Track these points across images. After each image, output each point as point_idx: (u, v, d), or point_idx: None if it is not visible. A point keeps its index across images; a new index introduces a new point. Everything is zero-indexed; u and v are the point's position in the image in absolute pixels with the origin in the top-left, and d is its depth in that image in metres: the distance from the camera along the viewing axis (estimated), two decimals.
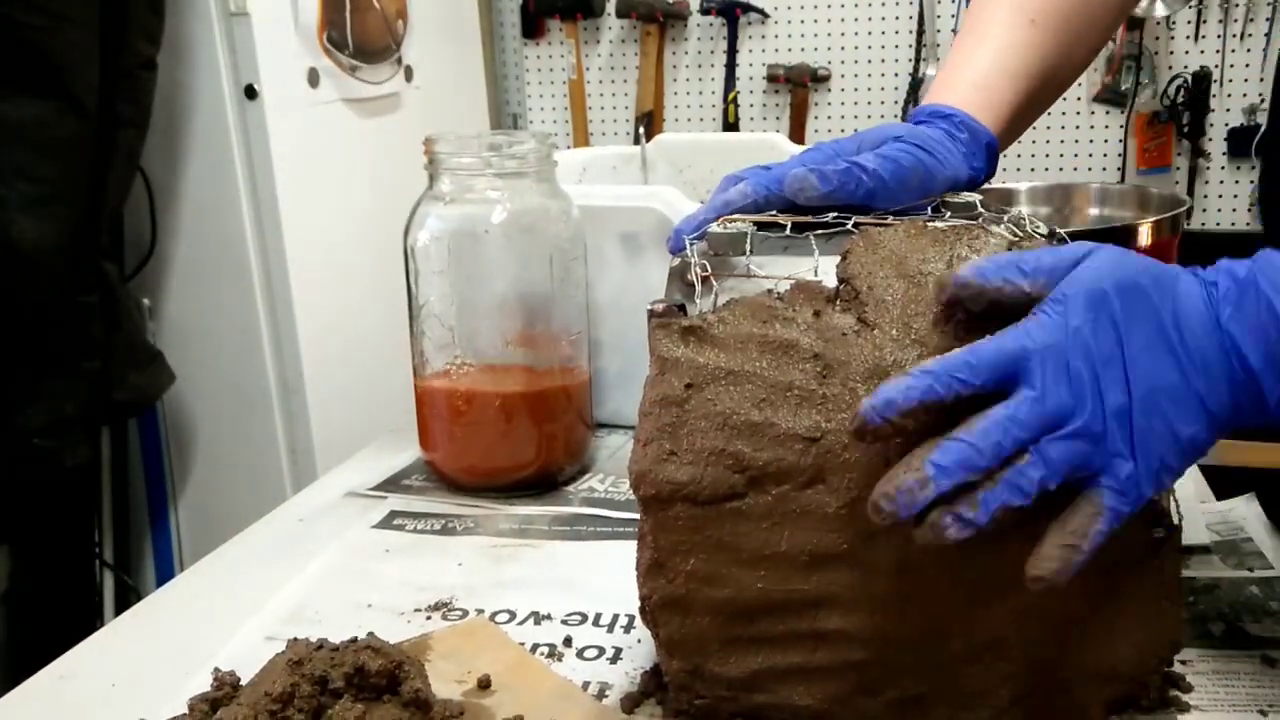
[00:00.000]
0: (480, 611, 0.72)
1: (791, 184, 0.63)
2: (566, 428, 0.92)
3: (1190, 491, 0.84)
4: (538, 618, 0.71)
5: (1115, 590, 0.55)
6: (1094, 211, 1.27)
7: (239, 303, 1.64)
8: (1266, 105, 2.28)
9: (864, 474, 0.52)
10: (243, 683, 0.57)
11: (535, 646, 0.67)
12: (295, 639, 0.57)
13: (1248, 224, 2.39)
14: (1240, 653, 0.63)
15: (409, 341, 0.93)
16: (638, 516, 0.56)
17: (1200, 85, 2.32)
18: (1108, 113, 2.40)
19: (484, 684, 0.61)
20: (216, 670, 0.58)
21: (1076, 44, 0.78)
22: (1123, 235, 1.03)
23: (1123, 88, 2.36)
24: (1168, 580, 0.56)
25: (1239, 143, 2.33)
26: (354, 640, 0.57)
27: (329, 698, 0.54)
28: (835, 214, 0.62)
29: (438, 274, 0.89)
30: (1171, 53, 2.35)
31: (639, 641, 0.67)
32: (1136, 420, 0.47)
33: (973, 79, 0.74)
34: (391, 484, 0.94)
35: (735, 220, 0.63)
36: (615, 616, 0.71)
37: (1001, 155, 0.74)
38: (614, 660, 0.66)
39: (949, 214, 0.64)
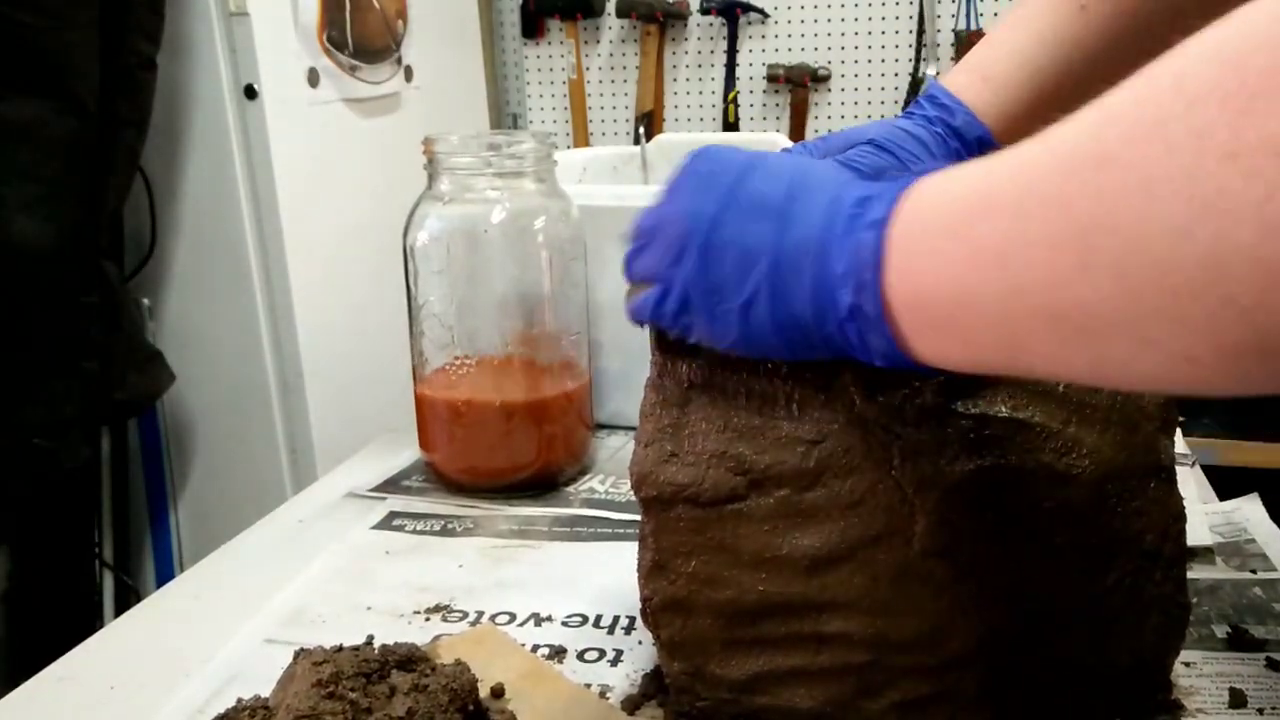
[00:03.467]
0: (480, 613, 0.72)
1: None
2: (567, 429, 0.91)
3: (1193, 492, 0.84)
4: (538, 619, 0.71)
5: (1118, 592, 0.54)
6: None
7: (239, 303, 1.64)
8: None
9: (865, 477, 0.52)
10: (243, 688, 0.56)
11: (536, 648, 0.67)
12: (303, 648, 0.57)
13: None
14: (1244, 656, 0.63)
15: (409, 342, 0.93)
16: (638, 518, 0.56)
17: None
18: None
19: (497, 692, 0.61)
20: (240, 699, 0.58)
21: (1133, 42, 0.65)
22: None
23: None
24: (1170, 582, 0.56)
25: None
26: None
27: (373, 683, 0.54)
28: None
29: (437, 274, 0.89)
30: None
31: (640, 643, 0.67)
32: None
33: (987, 67, 0.68)
34: (391, 485, 0.94)
35: None
36: (616, 618, 0.71)
37: None
38: (614, 663, 0.66)
39: None
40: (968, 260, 0.38)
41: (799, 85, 2.49)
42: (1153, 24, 0.67)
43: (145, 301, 1.67)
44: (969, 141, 0.67)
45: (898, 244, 0.42)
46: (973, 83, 0.68)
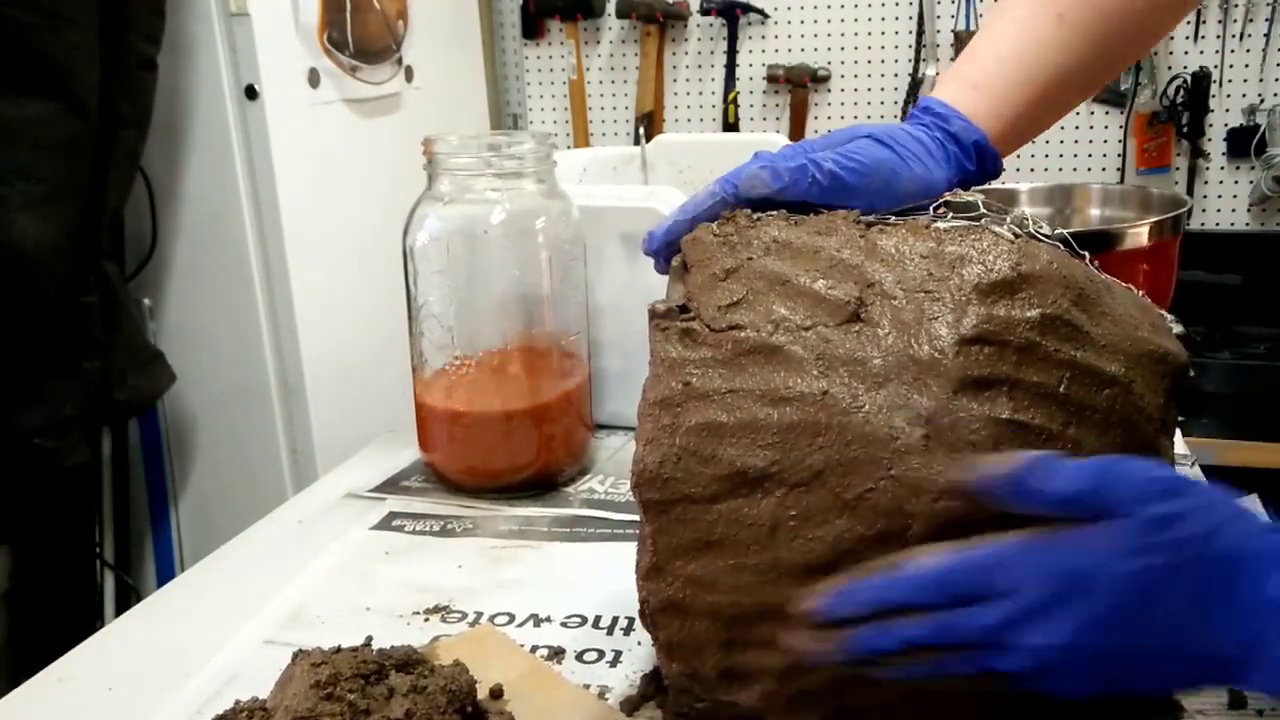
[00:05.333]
0: (479, 614, 0.72)
1: (745, 181, 0.63)
2: (566, 429, 0.91)
3: None
4: (537, 620, 0.71)
5: None
6: (1095, 212, 1.27)
7: (239, 303, 1.64)
8: (1267, 106, 2.28)
9: (863, 477, 0.52)
10: (242, 689, 0.56)
11: (535, 649, 0.67)
12: (301, 649, 0.57)
13: (1246, 224, 2.38)
14: None
15: (409, 342, 0.93)
16: (638, 518, 0.56)
17: (1200, 85, 2.32)
18: (1107, 113, 2.39)
19: (496, 694, 0.61)
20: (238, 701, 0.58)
21: (1114, 43, 0.71)
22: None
23: (1122, 88, 2.36)
24: None
25: (1238, 143, 2.33)
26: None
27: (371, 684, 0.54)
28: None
29: (437, 274, 0.89)
30: (1171, 53, 2.35)
31: (639, 644, 0.67)
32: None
33: (975, 77, 0.70)
34: (391, 485, 0.94)
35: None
36: (615, 619, 0.71)
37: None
38: (613, 663, 0.66)
39: (950, 215, 0.64)
40: None
41: (799, 85, 2.49)
42: (1132, 26, 0.70)
43: (146, 301, 1.67)
44: (966, 146, 0.68)
45: None
46: (963, 91, 0.70)
